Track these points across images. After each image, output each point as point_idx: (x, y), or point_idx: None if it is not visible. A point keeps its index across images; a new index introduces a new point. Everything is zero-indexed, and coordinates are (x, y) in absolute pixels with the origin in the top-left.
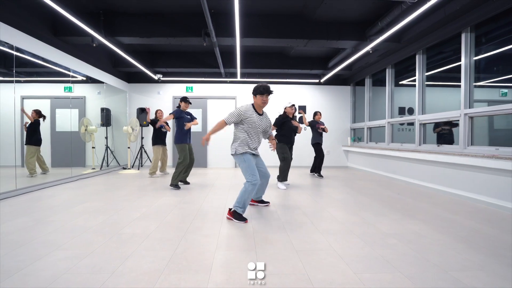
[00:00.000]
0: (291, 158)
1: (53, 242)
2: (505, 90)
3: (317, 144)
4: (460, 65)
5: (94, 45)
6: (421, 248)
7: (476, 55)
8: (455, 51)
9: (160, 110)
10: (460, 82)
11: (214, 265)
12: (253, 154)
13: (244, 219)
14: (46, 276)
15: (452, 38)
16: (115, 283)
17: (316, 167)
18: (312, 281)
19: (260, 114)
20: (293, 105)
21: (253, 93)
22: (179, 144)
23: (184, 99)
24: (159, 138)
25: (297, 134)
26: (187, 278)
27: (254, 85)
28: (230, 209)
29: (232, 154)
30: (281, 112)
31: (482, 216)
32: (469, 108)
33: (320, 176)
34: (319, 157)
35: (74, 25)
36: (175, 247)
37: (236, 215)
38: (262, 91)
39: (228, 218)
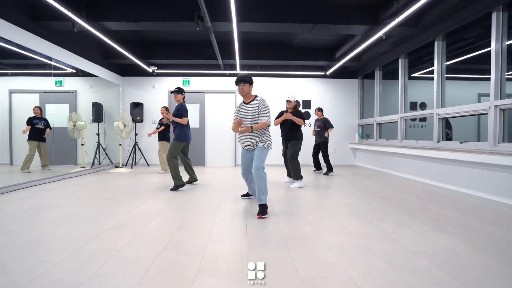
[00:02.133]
0: (287, 154)
1: None
2: None
3: (319, 143)
4: (480, 54)
5: (75, 30)
6: (461, 274)
7: (508, 39)
8: (477, 37)
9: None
10: (475, 74)
11: None
12: (247, 150)
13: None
14: None
15: (477, 21)
16: None
17: (318, 164)
18: None
19: (246, 102)
20: (289, 101)
21: None
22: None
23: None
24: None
25: (298, 127)
26: None
27: (255, 78)
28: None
29: None
30: (284, 107)
31: None
32: (500, 99)
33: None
34: (323, 155)
35: (52, 7)
36: (145, 270)
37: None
38: (235, 82)
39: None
